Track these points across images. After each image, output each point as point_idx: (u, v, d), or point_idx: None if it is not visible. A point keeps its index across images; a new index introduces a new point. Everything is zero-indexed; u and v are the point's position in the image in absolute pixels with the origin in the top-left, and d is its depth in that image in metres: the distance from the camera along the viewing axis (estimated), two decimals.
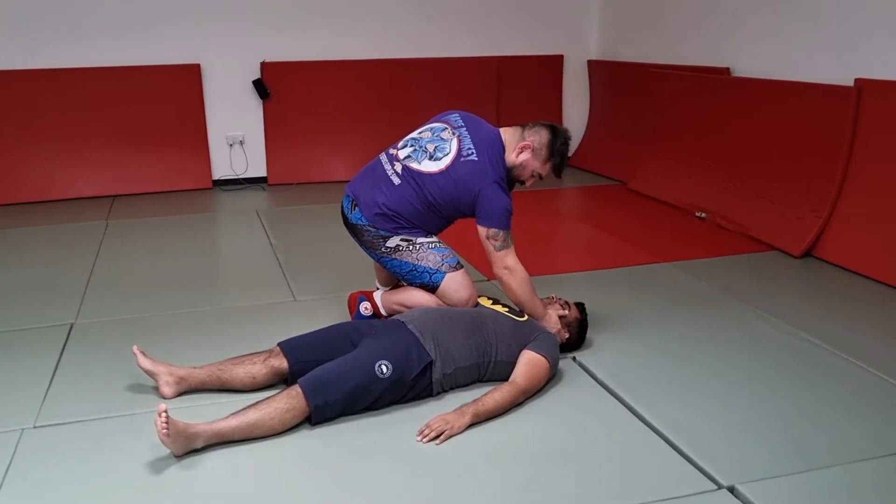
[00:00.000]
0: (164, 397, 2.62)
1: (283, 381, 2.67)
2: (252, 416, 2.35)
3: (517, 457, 2.30)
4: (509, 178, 2.97)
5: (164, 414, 2.19)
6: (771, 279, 3.86)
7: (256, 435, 2.36)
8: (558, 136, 2.95)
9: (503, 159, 2.94)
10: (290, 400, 2.39)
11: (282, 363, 2.65)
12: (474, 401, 2.46)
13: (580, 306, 2.96)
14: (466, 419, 2.41)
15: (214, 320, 3.38)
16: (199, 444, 2.30)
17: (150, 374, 2.66)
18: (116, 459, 2.29)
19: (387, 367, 2.50)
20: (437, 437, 2.36)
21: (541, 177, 3.00)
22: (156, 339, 3.15)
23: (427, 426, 2.39)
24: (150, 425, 2.46)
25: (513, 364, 2.66)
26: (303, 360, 2.62)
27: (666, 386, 2.71)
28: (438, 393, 2.63)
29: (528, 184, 3.04)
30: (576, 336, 2.92)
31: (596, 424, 2.48)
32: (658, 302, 3.53)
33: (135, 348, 2.68)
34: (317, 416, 2.42)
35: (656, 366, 2.87)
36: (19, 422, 2.49)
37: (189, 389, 2.65)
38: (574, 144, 6.96)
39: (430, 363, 2.57)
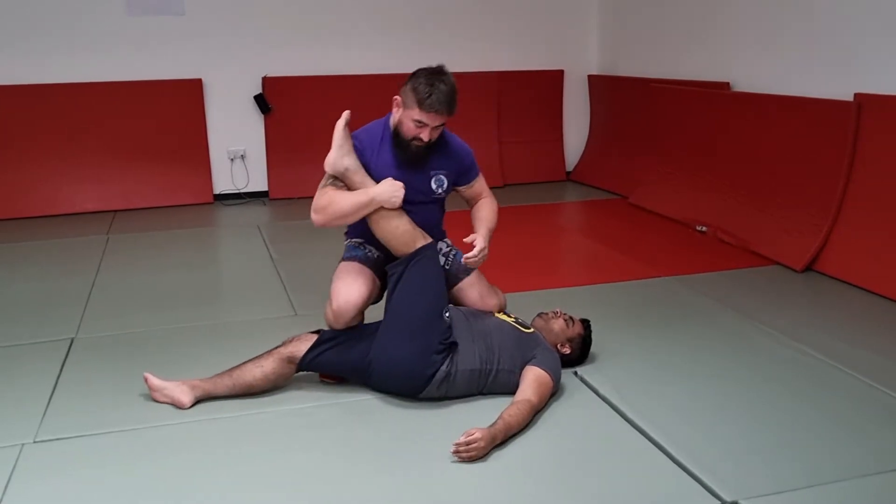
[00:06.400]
0: (181, 406, 2.64)
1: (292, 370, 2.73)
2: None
3: (518, 471, 2.29)
4: (399, 141, 2.76)
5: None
6: (772, 293, 3.86)
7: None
8: (416, 74, 2.69)
9: (388, 127, 2.84)
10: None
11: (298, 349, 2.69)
12: (503, 421, 2.40)
13: (585, 323, 2.96)
14: (498, 439, 2.36)
15: (215, 335, 3.38)
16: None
17: (161, 388, 2.67)
18: (117, 474, 2.28)
19: (448, 317, 2.66)
20: (468, 454, 2.28)
21: (421, 122, 2.66)
22: (156, 353, 3.15)
23: (466, 447, 2.28)
24: (152, 440, 2.47)
25: (514, 373, 2.65)
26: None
27: (667, 400, 2.70)
28: (432, 398, 2.63)
29: (418, 136, 2.70)
30: (578, 352, 2.91)
31: (598, 439, 2.47)
32: (659, 316, 3.53)
33: (146, 375, 2.72)
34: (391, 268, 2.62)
35: (658, 380, 2.86)
36: (20, 437, 2.49)
37: (205, 396, 2.68)
38: (575, 159, 7.05)
39: (455, 346, 2.61)
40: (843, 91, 4.15)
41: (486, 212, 2.95)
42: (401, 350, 2.62)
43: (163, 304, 3.79)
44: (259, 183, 6.37)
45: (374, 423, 2.57)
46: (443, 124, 2.72)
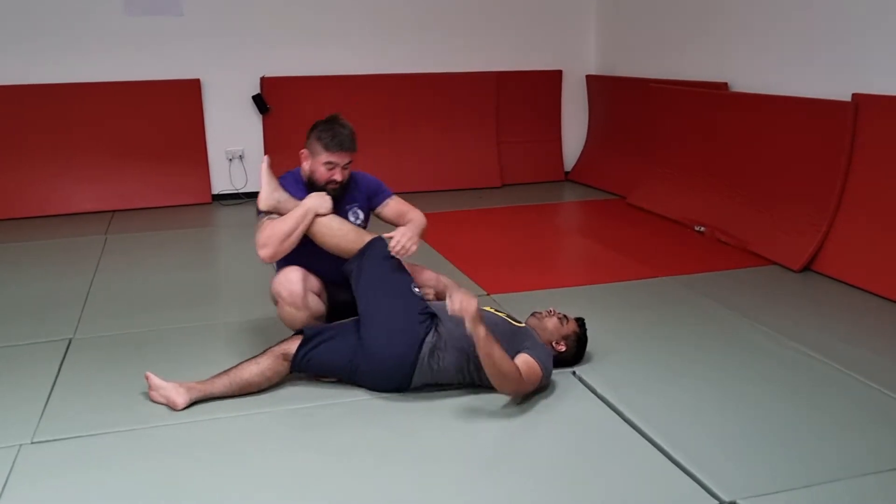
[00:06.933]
0: (174, 407, 2.64)
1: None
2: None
3: (517, 470, 2.29)
4: (316, 189, 3.01)
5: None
6: (770, 293, 3.86)
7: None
8: (315, 126, 3.03)
9: (300, 178, 3.12)
10: None
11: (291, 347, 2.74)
12: (494, 338, 2.49)
13: (579, 321, 2.96)
14: (481, 329, 2.43)
15: (213, 335, 3.37)
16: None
17: (159, 388, 2.67)
18: (116, 475, 2.28)
19: (419, 292, 2.81)
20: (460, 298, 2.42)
21: (331, 163, 2.97)
22: (155, 354, 3.14)
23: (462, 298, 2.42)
24: (150, 440, 2.47)
25: None
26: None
27: (666, 400, 2.70)
28: (426, 384, 2.66)
29: (332, 178, 2.99)
30: (573, 349, 2.91)
31: (596, 439, 2.48)
32: (657, 316, 3.53)
33: (147, 374, 2.72)
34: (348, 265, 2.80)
35: (656, 380, 2.86)
36: (17, 437, 2.48)
37: (202, 397, 2.68)
38: (573, 159, 7.05)
39: (435, 316, 2.72)
40: (840, 91, 4.16)
41: (412, 215, 3.13)
42: (385, 332, 2.67)
43: (161, 304, 3.79)
44: (257, 183, 6.29)
45: (374, 423, 2.57)
46: (350, 162, 3.00)
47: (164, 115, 6.07)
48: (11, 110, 5.76)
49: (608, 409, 2.65)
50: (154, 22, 5.95)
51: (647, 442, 2.42)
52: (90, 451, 2.42)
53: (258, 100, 6.20)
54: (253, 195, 6.29)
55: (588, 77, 6.98)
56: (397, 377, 2.69)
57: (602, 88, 6.84)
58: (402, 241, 2.90)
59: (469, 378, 2.70)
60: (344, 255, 2.87)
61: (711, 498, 2.13)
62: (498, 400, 2.67)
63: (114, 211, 5.95)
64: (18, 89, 5.73)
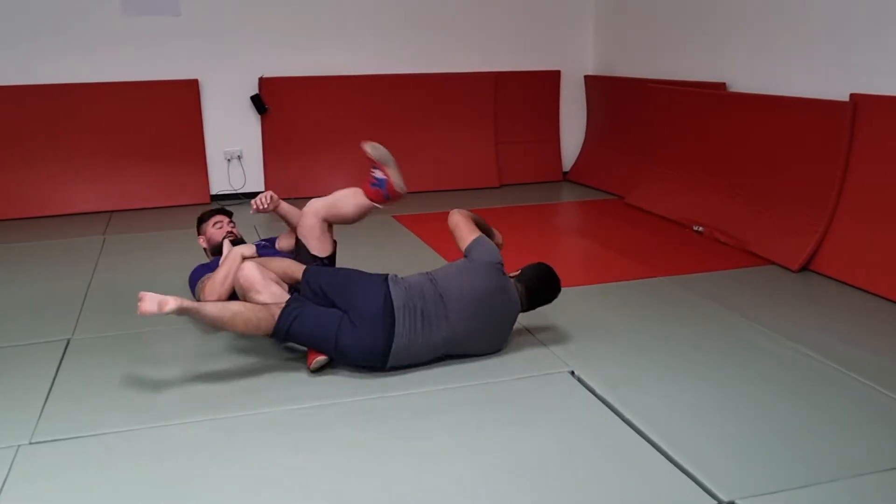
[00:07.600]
0: (163, 305, 2.68)
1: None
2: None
3: (515, 471, 2.29)
4: (220, 248, 3.65)
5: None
6: (769, 293, 3.86)
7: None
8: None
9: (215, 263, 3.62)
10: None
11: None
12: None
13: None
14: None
15: (212, 335, 3.37)
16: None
17: (151, 296, 2.69)
18: (114, 476, 2.28)
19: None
20: None
21: (218, 224, 3.80)
22: (153, 354, 3.14)
23: None
24: (149, 441, 2.46)
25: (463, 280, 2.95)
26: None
27: (665, 400, 2.70)
28: (401, 304, 2.82)
29: (226, 232, 3.75)
30: (528, 269, 3.19)
31: (595, 440, 2.47)
32: (655, 316, 3.53)
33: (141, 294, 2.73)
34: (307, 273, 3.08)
35: (655, 380, 2.86)
36: (16, 438, 2.48)
37: (184, 312, 2.76)
38: (571, 159, 7.06)
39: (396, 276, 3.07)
40: (838, 91, 4.16)
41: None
42: (360, 291, 2.90)
43: None
44: (256, 183, 6.37)
45: (374, 423, 2.57)
46: (231, 222, 3.81)
47: (163, 116, 6.07)
48: (11, 110, 5.76)
49: (608, 409, 2.65)
50: (152, 22, 5.95)
51: (646, 442, 2.43)
52: (89, 451, 2.42)
53: (256, 100, 6.20)
54: (252, 195, 6.30)
55: (587, 77, 6.99)
56: (379, 309, 2.81)
57: (601, 89, 6.84)
58: (258, 198, 3.49)
59: (436, 290, 2.92)
60: (289, 280, 3.14)
61: (710, 498, 2.13)
62: (498, 400, 2.67)
63: (112, 211, 5.94)
64: (18, 89, 5.73)
